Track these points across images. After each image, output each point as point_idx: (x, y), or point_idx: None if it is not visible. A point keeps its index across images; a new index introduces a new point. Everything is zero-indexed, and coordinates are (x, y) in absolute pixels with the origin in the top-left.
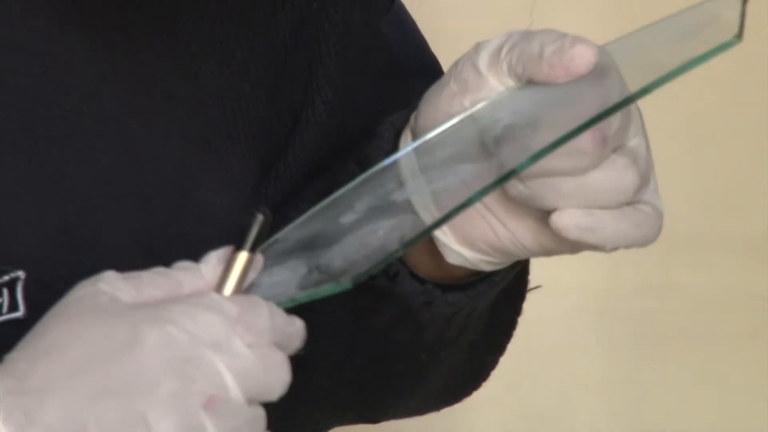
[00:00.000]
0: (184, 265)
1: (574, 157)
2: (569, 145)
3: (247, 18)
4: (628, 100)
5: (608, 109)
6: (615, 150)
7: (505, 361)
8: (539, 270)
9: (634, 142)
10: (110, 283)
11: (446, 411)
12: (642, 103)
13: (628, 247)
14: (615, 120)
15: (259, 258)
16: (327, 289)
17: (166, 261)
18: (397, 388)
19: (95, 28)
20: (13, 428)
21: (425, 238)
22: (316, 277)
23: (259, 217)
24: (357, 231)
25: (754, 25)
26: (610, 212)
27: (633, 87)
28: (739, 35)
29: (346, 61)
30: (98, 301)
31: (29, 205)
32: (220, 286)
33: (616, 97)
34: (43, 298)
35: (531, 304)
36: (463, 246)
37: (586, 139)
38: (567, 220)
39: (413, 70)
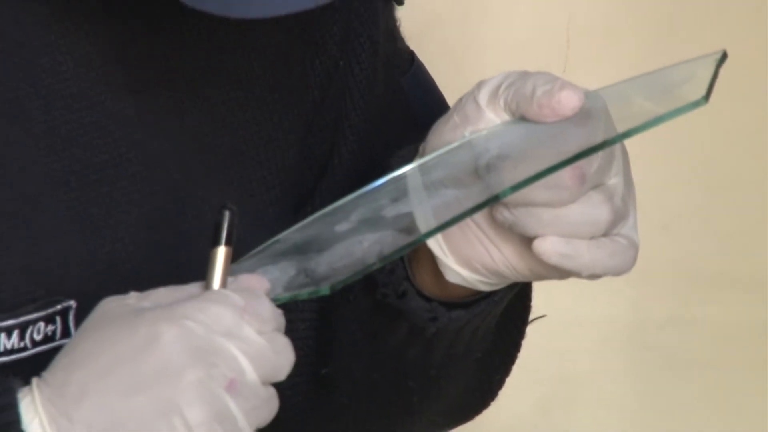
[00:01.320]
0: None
1: (554, 190)
2: (551, 178)
3: (281, 75)
4: (600, 146)
5: (586, 150)
6: (595, 187)
7: (539, 388)
8: (572, 304)
9: (613, 180)
10: (132, 297)
11: (475, 430)
12: (664, 152)
13: (604, 274)
14: (596, 159)
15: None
16: (306, 293)
17: None
18: (410, 406)
19: (141, 83)
20: (56, 430)
21: (402, 253)
22: (302, 280)
23: (226, 213)
24: (345, 240)
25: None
26: (587, 242)
27: (611, 132)
28: (706, 97)
29: (370, 114)
30: (121, 311)
31: (79, 241)
32: (208, 283)
33: (598, 139)
34: None
35: (563, 336)
36: (462, 266)
37: (566, 175)
38: (547, 247)
39: (424, 122)
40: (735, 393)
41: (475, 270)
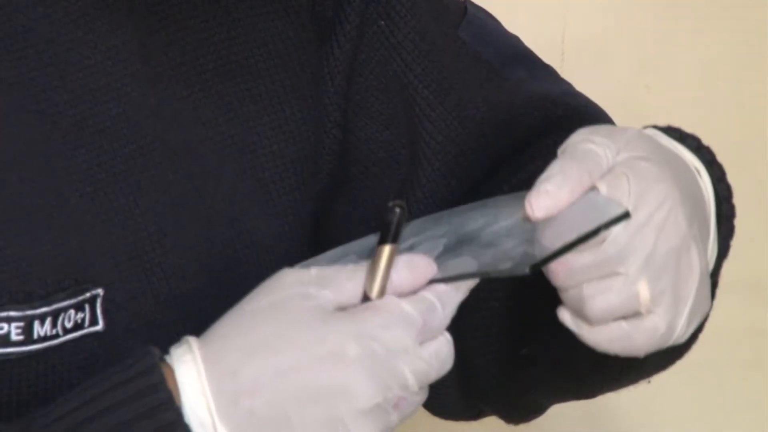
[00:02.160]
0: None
1: (550, 275)
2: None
3: (294, 67)
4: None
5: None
6: (606, 276)
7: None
8: None
9: (623, 273)
10: (313, 286)
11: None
12: None
13: (614, 354)
14: (587, 256)
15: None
16: (501, 270)
17: (223, 281)
18: (616, 379)
19: (160, 75)
20: (222, 416)
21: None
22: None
23: (397, 211)
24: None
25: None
26: (588, 325)
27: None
28: (531, 269)
29: (429, 66)
30: (306, 306)
31: (105, 232)
32: (371, 281)
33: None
34: (119, 314)
35: None
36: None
37: (551, 267)
38: (561, 316)
39: (505, 61)
40: (732, 392)
41: None
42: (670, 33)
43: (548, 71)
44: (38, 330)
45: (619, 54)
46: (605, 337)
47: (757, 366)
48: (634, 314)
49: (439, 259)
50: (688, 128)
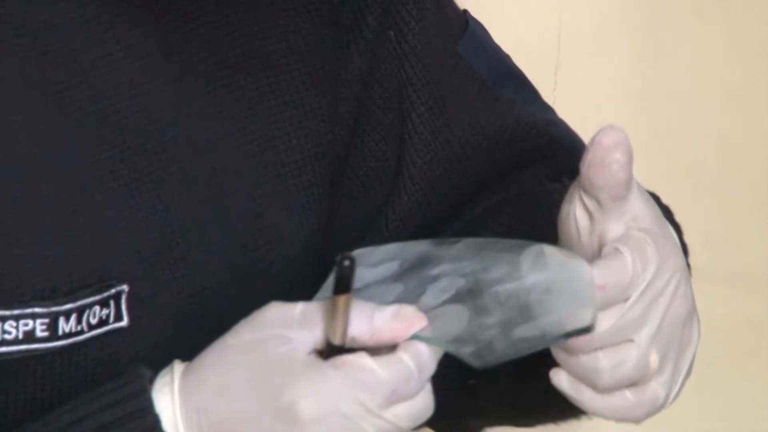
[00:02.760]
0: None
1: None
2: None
3: (313, 63)
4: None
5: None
6: (617, 344)
7: None
8: None
9: (637, 342)
10: (294, 327)
11: None
12: (652, 151)
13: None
14: (609, 320)
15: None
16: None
17: (246, 276)
18: (559, 415)
19: (182, 71)
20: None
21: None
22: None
23: (345, 264)
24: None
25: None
26: (591, 391)
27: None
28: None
29: (431, 78)
30: (278, 352)
31: (128, 228)
32: (332, 329)
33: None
34: (144, 310)
35: None
36: None
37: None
38: (556, 380)
39: (496, 81)
40: (722, 383)
41: None
42: (666, 26)
43: (535, 93)
44: (63, 326)
45: (615, 47)
46: (608, 405)
47: (753, 358)
48: (638, 383)
49: (441, 305)
50: (683, 122)
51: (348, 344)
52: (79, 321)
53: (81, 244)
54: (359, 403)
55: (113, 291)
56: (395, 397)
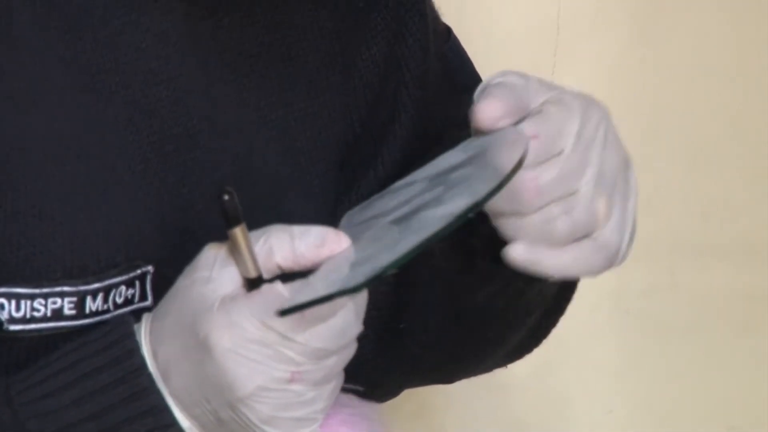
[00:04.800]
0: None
1: (513, 203)
2: (510, 191)
3: (331, 56)
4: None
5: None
6: (563, 197)
7: (533, 350)
8: None
9: (583, 189)
10: (218, 266)
11: (480, 390)
12: (647, 127)
13: (574, 277)
14: (553, 169)
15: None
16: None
17: None
18: (482, 353)
19: (208, 59)
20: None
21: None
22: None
23: (225, 198)
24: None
25: (753, 41)
26: (550, 248)
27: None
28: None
29: (425, 82)
30: (200, 292)
31: (154, 210)
32: (243, 266)
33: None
34: (168, 290)
35: None
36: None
37: (521, 188)
38: (511, 253)
39: (466, 87)
40: (714, 356)
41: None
42: (663, 6)
43: None
44: (90, 305)
45: (613, 28)
46: (567, 258)
47: (749, 330)
48: (590, 232)
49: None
50: (681, 99)
51: (273, 273)
52: (105, 300)
53: (109, 224)
54: (268, 328)
55: (139, 272)
56: (306, 320)
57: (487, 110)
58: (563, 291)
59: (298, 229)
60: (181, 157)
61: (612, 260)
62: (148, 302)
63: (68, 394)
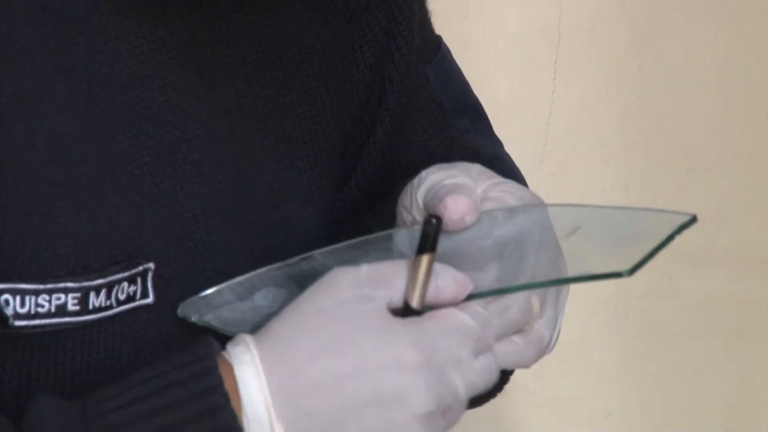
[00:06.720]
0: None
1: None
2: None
3: (327, 63)
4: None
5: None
6: (494, 300)
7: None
8: None
9: (516, 294)
10: (368, 286)
11: None
12: (645, 135)
13: (506, 368)
14: (491, 272)
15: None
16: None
17: (265, 262)
18: None
19: (206, 66)
20: (279, 414)
21: None
22: None
23: (434, 222)
24: None
25: (746, 48)
26: None
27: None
28: (631, 271)
29: (404, 97)
30: (366, 310)
31: (152, 212)
32: (412, 290)
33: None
34: (168, 289)
35: None
36: None
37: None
38: None
39: (454, 109)
40: (711, 359)
41: None
42: (661, 15)
43: (489, 127)
44: (93, 301)
45: (613, 36)
46: (500, 352)
47: (745, 334)
48: (522, 328)
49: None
50: (678, 107)
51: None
52: (108, 296)
53: (112, 223)
54: (455, 350)
55: (141, 268)
56: (481, 345)
57: (457, 207)
58: None
59: (451, 272)
60: (178, 162)
61: (543, 352)
62: (150, 299)
63: (144, 426)
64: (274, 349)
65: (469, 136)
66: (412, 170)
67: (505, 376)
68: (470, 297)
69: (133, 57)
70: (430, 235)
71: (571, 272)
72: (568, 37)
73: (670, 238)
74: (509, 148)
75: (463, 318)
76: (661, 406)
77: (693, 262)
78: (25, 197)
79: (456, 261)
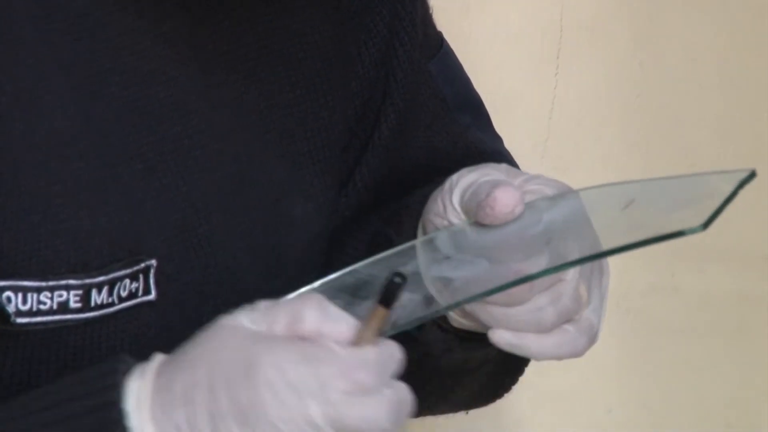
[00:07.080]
0: (312, 302)
1: (502, 295)
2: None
3: (330, 59)
4: (572, 263)
5: (557, 267)
6: (546, 288)
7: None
8: None
9: (568, 278)
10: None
11: None
12: (651, 130)
13: (560, 358)
14: (542, 261)
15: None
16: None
17: (267, 258)
18: (428, 401)
19: (208, 62)
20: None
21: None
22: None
23: (397, 280)
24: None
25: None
26: (534, 335)
27: (602, 242)
28: (705, 225)
29: (408, 94)
30: (229, 325)
31: (155, 207)
32: (360, 337)
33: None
34: (170, 285)
35: None
36: (463, 318)
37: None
38: (497, 338)
39: (457, 105)
40: (713, 356)
41: (474, 321)
42: (662, 14)
43: (489, 123)
44: (95, 298)
45: (615, 33)
46: (554, 342)
47: (747, 331)
48: (573, 317)
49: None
50: (679, 103)
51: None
52: (110, 293)
53: (112, 220)
54: (311, 377)
55: (142, 265)
56: (350, 385)
57: (507, 200)
58: (511, 358)
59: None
60: (180, 158)
61: (593, 340)
62: (152, 296)
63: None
64: (168, 366)
65: (470, 131)
66: (415, 166)
67: (517, 373)
68: (539, 274)
69: (135, 53)
70: (393, 293)
71: (638, 237)
72: (570, 33)
73: (734, 193)
74: (511, 143)
75: (331, 348)
76: (662, 402)
77: (695, 258)
78: (25, 194)
79: (504, 253)
